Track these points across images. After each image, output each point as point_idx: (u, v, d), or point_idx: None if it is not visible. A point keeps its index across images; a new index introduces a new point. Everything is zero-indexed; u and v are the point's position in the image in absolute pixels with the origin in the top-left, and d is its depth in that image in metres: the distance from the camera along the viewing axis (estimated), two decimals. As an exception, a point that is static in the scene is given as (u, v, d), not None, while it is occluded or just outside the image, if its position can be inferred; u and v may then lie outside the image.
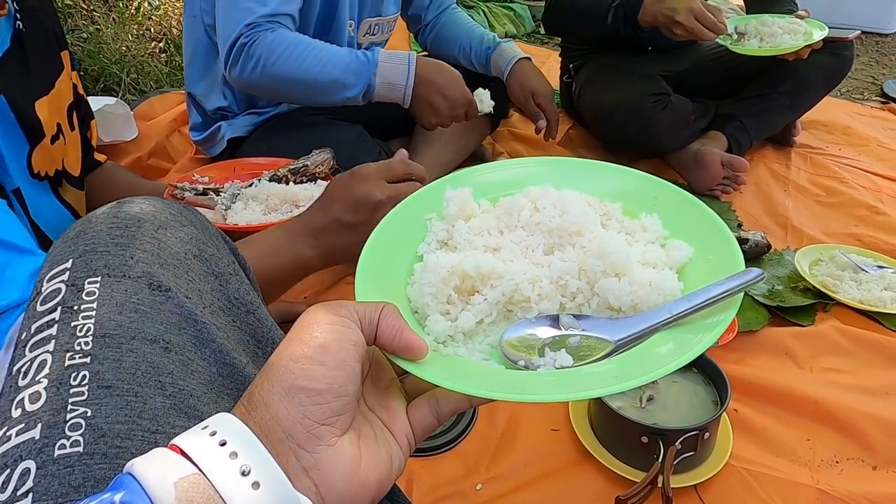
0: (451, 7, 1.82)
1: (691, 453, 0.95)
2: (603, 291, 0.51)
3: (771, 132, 1.97)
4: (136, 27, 2.60)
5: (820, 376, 1.19)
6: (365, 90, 1.38)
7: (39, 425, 0.42)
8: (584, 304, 0.52)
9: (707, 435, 0.96)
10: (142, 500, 0.34)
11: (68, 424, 0.42)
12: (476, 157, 1.88)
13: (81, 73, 2.08)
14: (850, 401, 1.12)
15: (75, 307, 0.48)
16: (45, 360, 0.46)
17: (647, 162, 1.88)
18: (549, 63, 2.47)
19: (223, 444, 0.36)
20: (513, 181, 0.61)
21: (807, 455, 1.04)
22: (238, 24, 1.30)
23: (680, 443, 0.92)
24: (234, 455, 0.36)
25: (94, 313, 0.48)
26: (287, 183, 1.29)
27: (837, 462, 1.03)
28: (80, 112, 1.13)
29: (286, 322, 0.80)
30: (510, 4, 3.20)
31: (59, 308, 0.48)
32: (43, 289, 0.50)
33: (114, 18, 2.61)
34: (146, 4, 2.75)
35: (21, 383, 0.45)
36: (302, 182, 1.31)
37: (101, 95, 2.11)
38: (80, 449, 0.41)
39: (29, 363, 0.46)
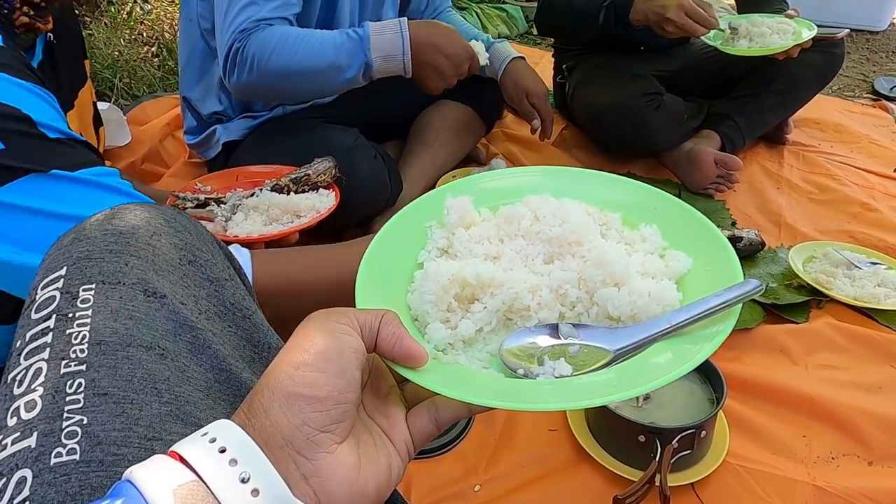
0: (446, 10, 1.82)
1: (688, 452, 0.95)
2: (602, 301, 0.51)
3: (763, 130, 1.98)
4: (128, 32, 2.59)
5: (815, 373, 1.19)
6: (363, 69, 1.33)
7: (35, 434, 0.42)
8: (584, 313, 0.52)
9: (703, 433, 0.96)
10: (140, 507, 0.34)
11: (64, 432, 0.42)
12: (470, 159, 1.88)
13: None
14: (845, 397, 1.12)
15: (70, 315, 0.48)
16: (41, 369, 0.45)
17: (641, 161, 1.88)
18: (542, 64, 2.47)
19: (223, 450, 0.36)
20: (513, 190, 0.61)
21: (803, 452, 1.05)
22: (233, 31, 1.30)
23: (677, 441, 0.92)
24: (233, 462, 0.36)
25: (89, 321, 0.48)
26: (288, 193, 1.29)
27: (833, 458, 1.04)
28: (95, 121, 1.12)
29: None
30: (503, 5, 3.20)
31: (54, 316, 0.48)
32: (37, 296, 0.50)
33: (106, 23, 2.60)
34: (138, 9, 2.74)
35: (16, 391, 0.45)
36: (304, 191, 1.30)
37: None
38: (77, 457, 0.41)
39: (24, 371, 0.46)
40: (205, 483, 0.35)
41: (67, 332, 0.47)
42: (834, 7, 3.16)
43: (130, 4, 2.75)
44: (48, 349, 0.46)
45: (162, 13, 2.77)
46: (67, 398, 0.44)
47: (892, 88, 2.59)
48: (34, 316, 0.49)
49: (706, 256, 0.54)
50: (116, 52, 2.41)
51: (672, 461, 0.92)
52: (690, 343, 0.47)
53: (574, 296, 0.52)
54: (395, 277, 0.55)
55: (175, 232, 0.56)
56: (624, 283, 0.51)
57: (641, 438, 0.94)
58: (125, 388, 0.45)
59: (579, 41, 2.00)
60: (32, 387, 0.45)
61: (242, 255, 0.84)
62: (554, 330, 0.50)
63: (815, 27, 1.76)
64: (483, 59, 1.47)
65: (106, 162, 1.28)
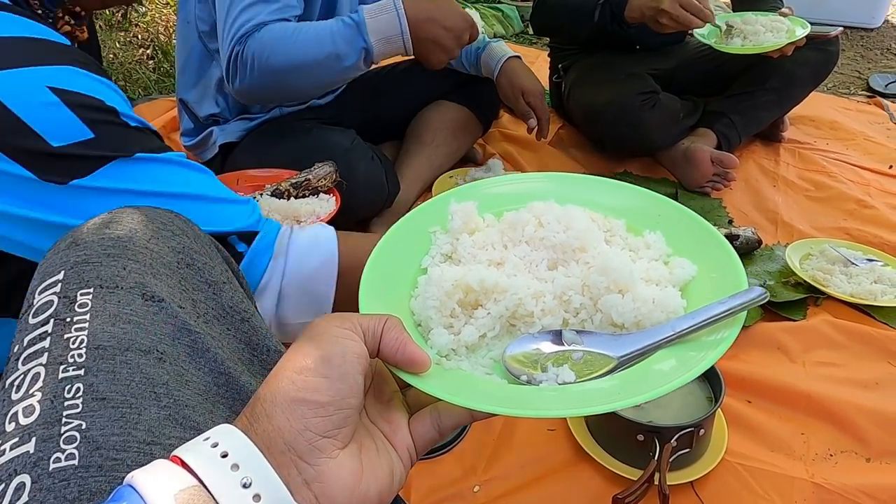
0: None
1: (687, 450, 0.95)
2: (606, 308, 0.51)
3: (759, 128, 1.98)
4: (122, 34, 2.58)
5: (812, 370, 1.20)
6: (363, 54, 1.30)
7: (34, 439, 0.42)
8: (588, 319, 0.52)
9: (702, 432, 0.96)
10: (140, 512, 0.34)
11: (63, 437, 0.42)
12: (467, 160, 1.88)
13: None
14: (842, 394, 1.13)
15: (68, 319, 0.48)
16: (39, 373, 0.45)
17: (638, 160, 1.89)
18: (538, 63, 2.47)
19: (224, 455, 0.36)
20: (517, 196, 0.61)
21: (801, 449, 1.05)
22: (233, 36, 1.29)
23: (675, 440, 0.93)
24: (235, 467, 0.36)
25: (87, 325, 0.47)
26: (289, 198, 1.28)
27: (831, 455, 1.04)
28: None
29: None
30: (498, 5, 3.20)
31: (52, 320, 0.48)
32: (35, 301, 0.50)
33: (100, 26, 2.60)
34: (133, 11, 2.73)
35: (14, 397, 0.45)
36: (304, 196, 1.30)
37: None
38: (76, 462, 0.41)
39: (22, 376, 0.46)
40: (206, 488, 0.35)
41: (65, 336, 0.47)
42: (828, 5, 3.16)
43: (125, 7, 2.74)
44: (46, 354, 0.46)
45: (157, 15, 2.76)
46: (66, 403, 0.44)
47: (886, 85, 2.60)
48: (32, 321, 0.49)
49: (710, 263, 0.54)
50: (111, 55, 2.41)
51: (671, 460, 0.92)
52: (695, 350, 0.47)
53: (578, 302, 0.52)
54: (399, 283, 0.55)
55: (172, 235, 0.56)
56: (628, 290, 0.51)
57: (640, 437, 0.94)
58: (124, 392, 0.45)
59: (575, 40, 2.00)
60: (31, 392, 0.44)
61: (328, 232, 0.85)
62: (557, 336, 0.50)
63: (809, 25, 1.76)
64: (480, 27, 1.44)
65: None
